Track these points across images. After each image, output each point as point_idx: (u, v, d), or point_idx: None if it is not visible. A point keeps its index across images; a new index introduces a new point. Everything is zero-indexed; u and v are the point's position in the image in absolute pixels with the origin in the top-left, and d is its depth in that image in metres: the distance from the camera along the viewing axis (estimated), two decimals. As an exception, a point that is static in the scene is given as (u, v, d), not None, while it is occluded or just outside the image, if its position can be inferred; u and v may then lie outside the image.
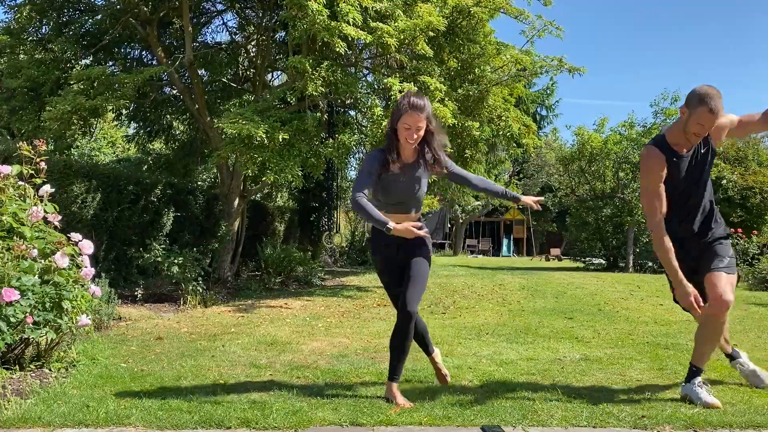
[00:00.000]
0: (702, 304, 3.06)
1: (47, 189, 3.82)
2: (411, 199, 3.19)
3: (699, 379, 3.15)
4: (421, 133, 3.12)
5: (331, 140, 8.12)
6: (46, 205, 3.79)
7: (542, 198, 3.43)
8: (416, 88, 7.15)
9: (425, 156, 3.20)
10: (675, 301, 3.22)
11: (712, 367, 3.96)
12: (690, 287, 3.06)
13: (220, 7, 10.54)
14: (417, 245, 3.19)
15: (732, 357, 3.52)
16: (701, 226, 3.24)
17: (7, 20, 9.62)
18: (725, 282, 3.08)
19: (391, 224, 2.97)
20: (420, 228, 3.03)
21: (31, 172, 3.86)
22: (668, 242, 3.12)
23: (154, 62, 9.86)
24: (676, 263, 3.09)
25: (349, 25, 6.89)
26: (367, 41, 7.12)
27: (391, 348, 3.16)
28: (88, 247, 3.71)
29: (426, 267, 3.21)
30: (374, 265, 3.42)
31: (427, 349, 3.39)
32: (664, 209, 3.16)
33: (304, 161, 7.52)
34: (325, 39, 6.87)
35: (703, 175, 3.21)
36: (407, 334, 3.09)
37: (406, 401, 3.02)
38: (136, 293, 7.39)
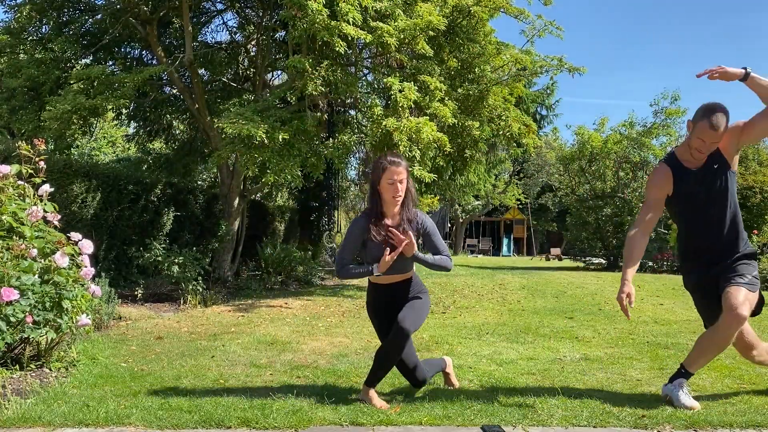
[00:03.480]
0: (628, 310, 2.99)
1: (46, 188, 3.82)
2: (402, 263, 3.14)
3: (684, 381, 3.09)
4: (404, 186, 3.09)
5: (331, 140, 8.12)
6: (45, 204, 3.79)
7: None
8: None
9: (407, 216, 3.15)
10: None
11: (712, 367, 3.96)
12: (627, 288, 2.99)
13: (220, 6, 10.55)
14: (412, 299, 3.20)
15: None
16: (724, 244, 3.14)
17: (7, 20, 9.62)
18: (744, 296, 2.96)
19: (375, 267, 3.05)
20: (404, 232, 3.04)
21: (30, 171, 3.86)
22: (634, 243, 3.11)
23: (154, 62, 9.86)
24: (632, 265, 3.08)
25: (349, 24, 6.89)
26: (367, 41, 7.11)
27: (377, 355, 3.13)
28: (87, 246, 3.71)
29: (423, 304, 3.22)
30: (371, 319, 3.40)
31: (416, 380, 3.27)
32: (652, 223, 3.17)
33: (304, 161, 7.52)
34: (325, 38, 6.87)
35: (713, 191, 3.10)
36: (399, 349, 3.04)
37: (384, 403, 3.02)
38: (136, 293, 7.39)
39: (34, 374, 3.50)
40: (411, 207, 3.18)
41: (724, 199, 3.12)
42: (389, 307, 3.20)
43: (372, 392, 3.07)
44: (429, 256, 3.19)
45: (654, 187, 3.20)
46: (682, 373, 3.13)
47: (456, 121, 7.85)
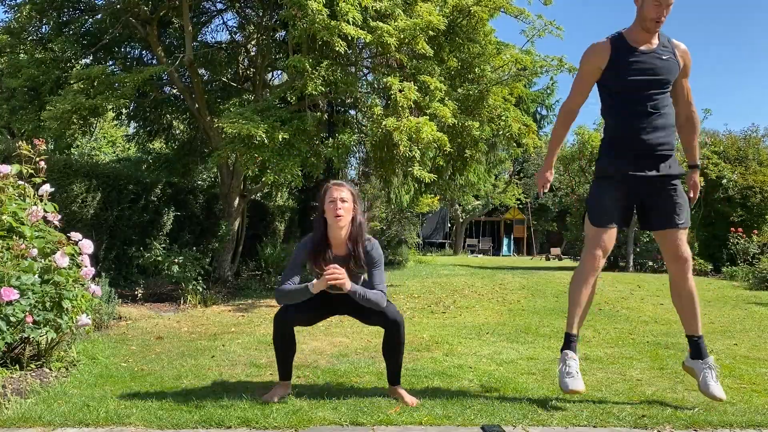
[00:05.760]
0: (545, 190, 3.20)
1: (47, 188, 3.82)
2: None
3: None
4: (347, 205, 3.00)
5: (331, 140, 8.12)
6: (45, 204, 3.79)
7: None
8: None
9: (356, 251, 3.03)
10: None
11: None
12: (549, 174, 3.19)
13: (220, 6, 10.54)
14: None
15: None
16: (655, 142, 3.05)
17: (7, 20, 9.62)
18: (684, 238, 3.11)
19: (311, 285, 2.94)
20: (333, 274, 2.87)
21: (30, 171, 3.86)
22: (563, 129, 3.26)
23: (154, 62, 9.85)
24: (556, 148, 3.27)
25: (349, 24, 6.88)
26: (367, 40, 7.11)
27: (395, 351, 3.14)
28: (88, 246, 3.71)
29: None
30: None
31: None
32: (584, 96, 3.24)
33: (304, 161, 7.51)
34: (325, 38, 6.86)
35: (655, 78, 3.04)
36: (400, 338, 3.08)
37: (414, 399, 3.04)
38: (136, 293, 7.39)
39: (34, 374, 3.50)
40: (360, 237, 3.04)
41: (659, 89, 3.06)
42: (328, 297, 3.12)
43: (400, 389, 3.13)
44: (361, 290, 2.97)
45: (585, 63, 3.17)
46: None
47: (456, 121, 7.84)
